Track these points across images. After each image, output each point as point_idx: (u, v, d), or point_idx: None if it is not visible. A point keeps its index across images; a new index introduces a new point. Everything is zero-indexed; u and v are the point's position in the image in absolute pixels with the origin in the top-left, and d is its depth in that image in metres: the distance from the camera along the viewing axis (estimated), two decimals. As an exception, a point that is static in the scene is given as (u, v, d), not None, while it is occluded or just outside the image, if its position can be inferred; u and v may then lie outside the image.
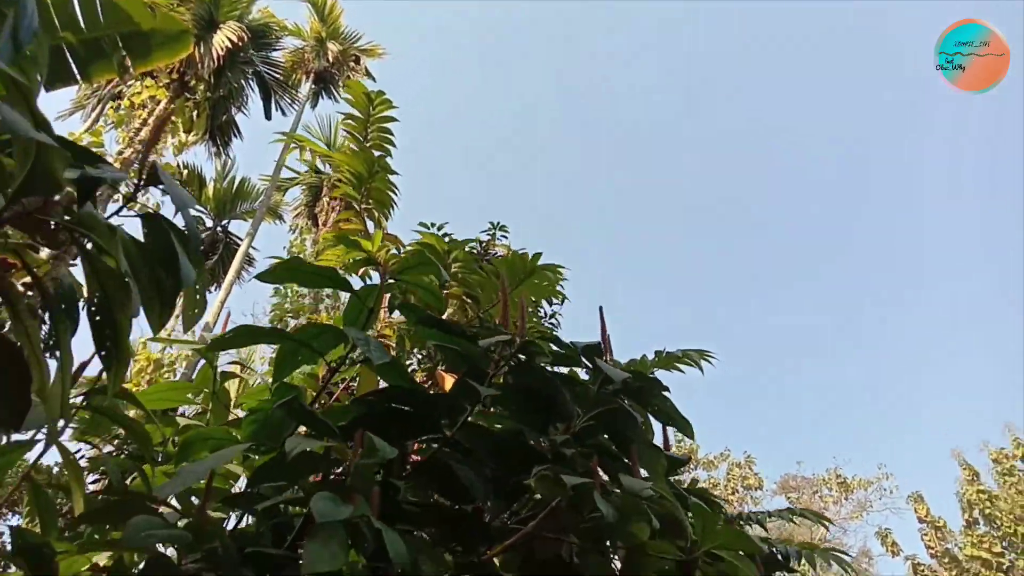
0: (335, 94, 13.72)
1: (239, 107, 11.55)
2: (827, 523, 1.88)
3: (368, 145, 3.38)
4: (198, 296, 1.35)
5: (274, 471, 1.34)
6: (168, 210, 1.33)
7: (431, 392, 1.67)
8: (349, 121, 3.64)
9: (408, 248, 2.33)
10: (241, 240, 12.59)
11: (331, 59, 12.97)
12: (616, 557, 1.47)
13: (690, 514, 1.54)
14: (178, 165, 11.31)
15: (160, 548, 1.29)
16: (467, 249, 2.82)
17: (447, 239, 2.77)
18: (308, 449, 1.46)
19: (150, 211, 1.30)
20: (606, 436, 1.90)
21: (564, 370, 2.08)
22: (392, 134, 3.50)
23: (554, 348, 1.87)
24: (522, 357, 1.79)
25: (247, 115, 12.07)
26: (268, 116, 9.29)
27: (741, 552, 1.28)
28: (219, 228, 14.42)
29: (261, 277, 1.58)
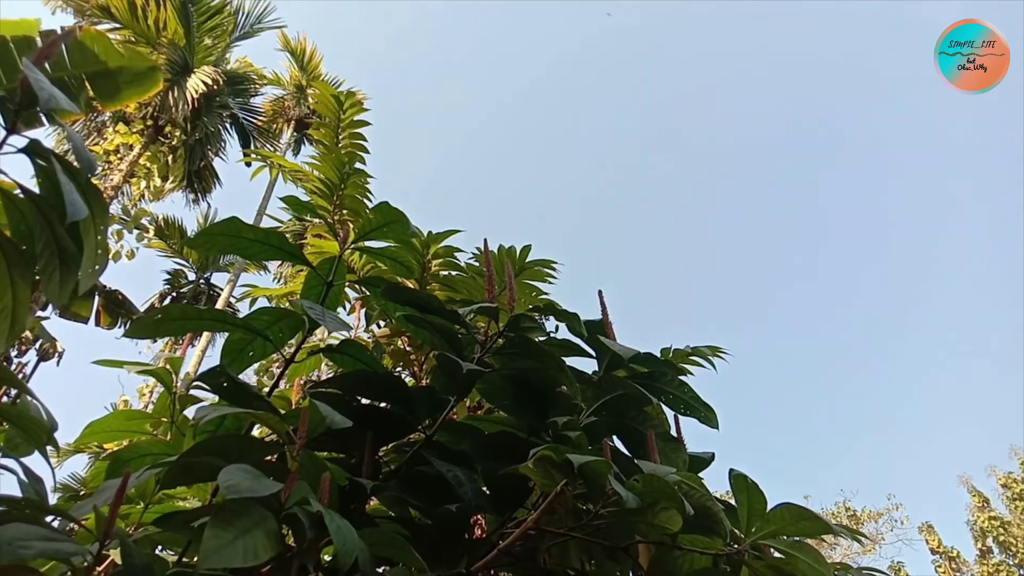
0: (317, 141, 13.59)
1: (216, 151, 11.32)
2: (862, 539, 1.62)
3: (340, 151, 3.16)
4: (100, 250, 1.08)
5: (193, 470, 1.04)
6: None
7: (404, 382, 1.39)
8: (318, 130, 3.43)
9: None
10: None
11: (312, 106, 12.91)
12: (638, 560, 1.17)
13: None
14: (155, 217, 11.04)
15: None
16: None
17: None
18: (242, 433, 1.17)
19: (35, 142, 1.05)
20: (615, 431, 1.62)
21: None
22: (365, 139, 3.28)
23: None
24: (512, 336, 1.52)
25: (225, 160, 11.90)
26: (248, 163, 9.05)
27: (801, 539, 0.99)
28: (202, 280, 14.09)
29: (190, 243, 1.30)
